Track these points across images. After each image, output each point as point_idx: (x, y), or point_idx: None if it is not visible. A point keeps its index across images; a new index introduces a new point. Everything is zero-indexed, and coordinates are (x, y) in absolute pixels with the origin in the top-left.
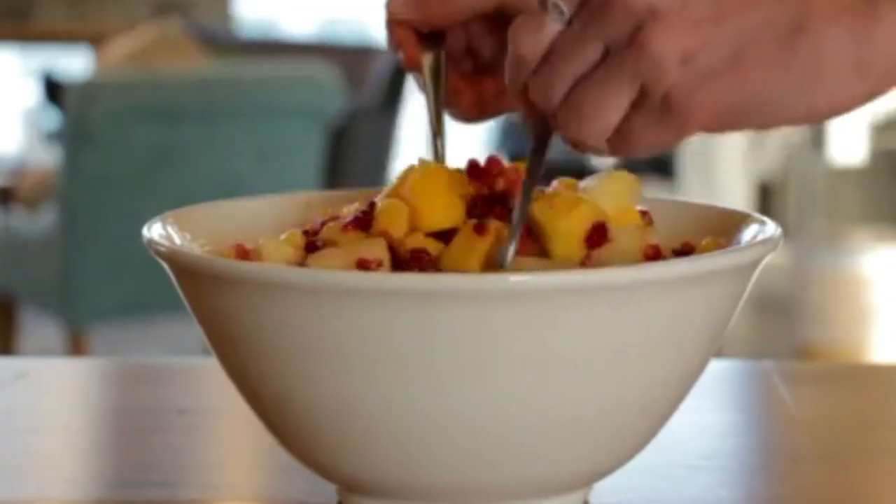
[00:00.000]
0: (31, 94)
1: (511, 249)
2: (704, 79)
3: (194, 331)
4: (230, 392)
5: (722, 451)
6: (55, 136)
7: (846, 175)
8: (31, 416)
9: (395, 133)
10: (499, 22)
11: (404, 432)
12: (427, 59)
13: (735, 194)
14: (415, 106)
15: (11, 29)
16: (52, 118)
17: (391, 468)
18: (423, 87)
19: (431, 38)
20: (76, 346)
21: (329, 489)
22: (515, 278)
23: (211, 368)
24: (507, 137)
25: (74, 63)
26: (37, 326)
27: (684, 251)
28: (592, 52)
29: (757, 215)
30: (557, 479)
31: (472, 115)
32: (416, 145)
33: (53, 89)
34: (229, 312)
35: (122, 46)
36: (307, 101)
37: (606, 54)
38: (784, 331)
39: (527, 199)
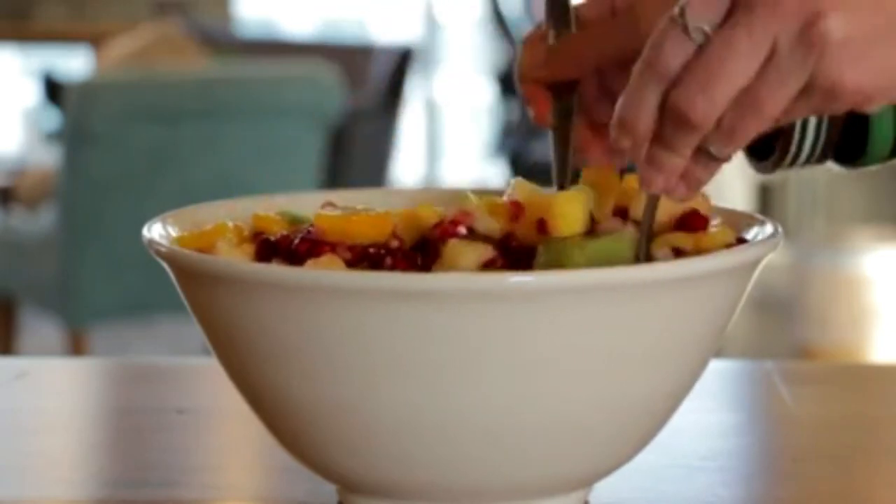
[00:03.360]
0: (31, 94)
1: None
2: (859, 59)
3: (194, 331)
4: (230, 392)
5: (722, 451)
6: (55, 136)
7: (846, 175)
8: (31, 416)
9: (395, 133)
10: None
11: (404, 432)
12: (554, 113)
13: (735, 194)
14: (415, 106)
15: (11, 29)
16: (52, 118)
17: (391, 468)
18: (551, 140)
19: (564, 88)
20: (76, 346)
21: (329, 489)
22: (515, 278)
23: (211, 368)
24: (507, 137)
25: (74, 63)
26: (37, 326)
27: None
28: (760, 53)
29: (757, 215)
30: (557, 479)
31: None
32: (416, 145)
33: (53, 89)
34: (229, 312)
35: (122, 46)
36: (307, 101)
37: (771, 54)
38: (784, 331)
39: (647, 226)
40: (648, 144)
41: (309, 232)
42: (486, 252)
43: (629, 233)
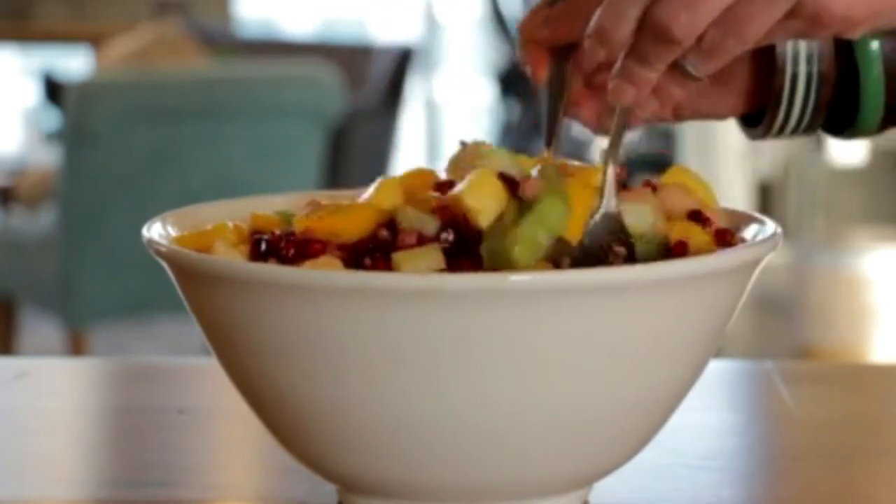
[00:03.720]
0: (31, 94)
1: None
2: None
3: (194, 331)
4: (230, 392)
5: (722, 451)
6: (55, 136)
7: (846, 175)
8: (31, 416)
9: (395, 133)
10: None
11: (404, 432)
12: (548, 73)
13: (735, 194)
14: (415, 106)
15: (11, 29)
16: (52, 118)
17: (391, 468)
18: (545, 103)
19: (563, 50)
20: (76, 346)
21: (329, 489)
22: (515, 278)
23: (211, 368)
24: (506, 136)
25: (74, 63)
26: (37, 326)
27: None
28: None
29: (757, 215)
30: (557, 479)
31: (591, 125)
32: (416, 145)
33: (53, 89)
34: (229, 312)
35: (122, 46)
36: (307, 101)
37: None
38: (784, 331)
39: (618, 136)
40: (623, 56)
41: (292, 234)
42: (436, 260)
43: (557, 192)
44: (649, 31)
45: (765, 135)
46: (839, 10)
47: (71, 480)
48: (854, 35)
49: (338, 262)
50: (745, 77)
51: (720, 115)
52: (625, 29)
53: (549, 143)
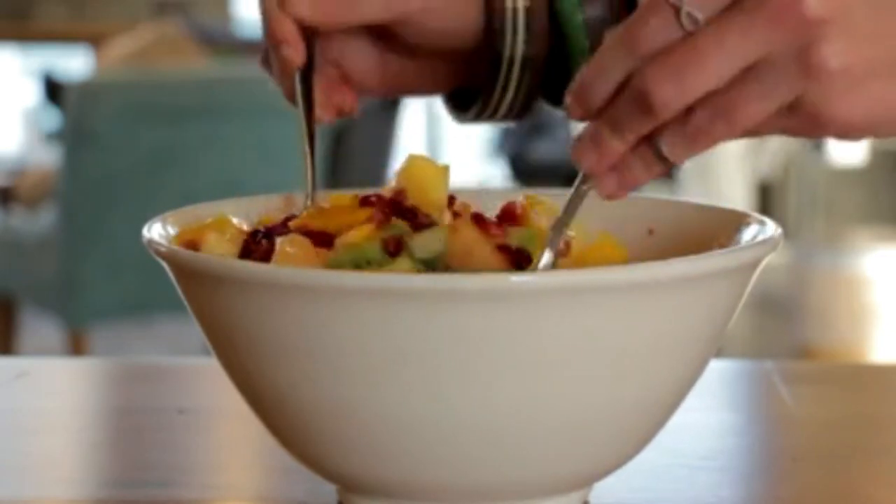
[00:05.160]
0: (31, 94)
1: (545, 260)
2: (852, 89)
3: (194, 331)
4: (230, 392)
5: (722, 451)
6: (55, 136)
7: (846, 175)
8: (31, 416)
9: (395, 133)
10: (380, 37)
11: (404, 432)
12: (298, 80)
13: (735, 194)
14: (414, 106)
15: (11, 29)
16: (52, 118)
17: (391, 468)
18: (298, 95)
19: (313, 34)
20: (76, 346)
21: (329, 489)
22: (516, 278)
23: (211, 368)
24: (507, 137)
25: (74, 63)
26: (37, 326)
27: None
28: (747, 58)
29: (757, 215)
30: (557, 479)
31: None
32: (416, 145)
33: (53, 89)
34: (229, 312)
35: (122, 46)
36: None
37: (759, 64)
38: (784, 331)
39: (568, 216)
40: (596, 119)
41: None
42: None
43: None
44: (629, 96)
45: (475, 120)
46: (840, 115)
47: (71, 480)
48: (856, 141)
49: (306, 241)
50: (457, 56)
51: (427, 92)
52: (603, 89)
53: (310, 148)
